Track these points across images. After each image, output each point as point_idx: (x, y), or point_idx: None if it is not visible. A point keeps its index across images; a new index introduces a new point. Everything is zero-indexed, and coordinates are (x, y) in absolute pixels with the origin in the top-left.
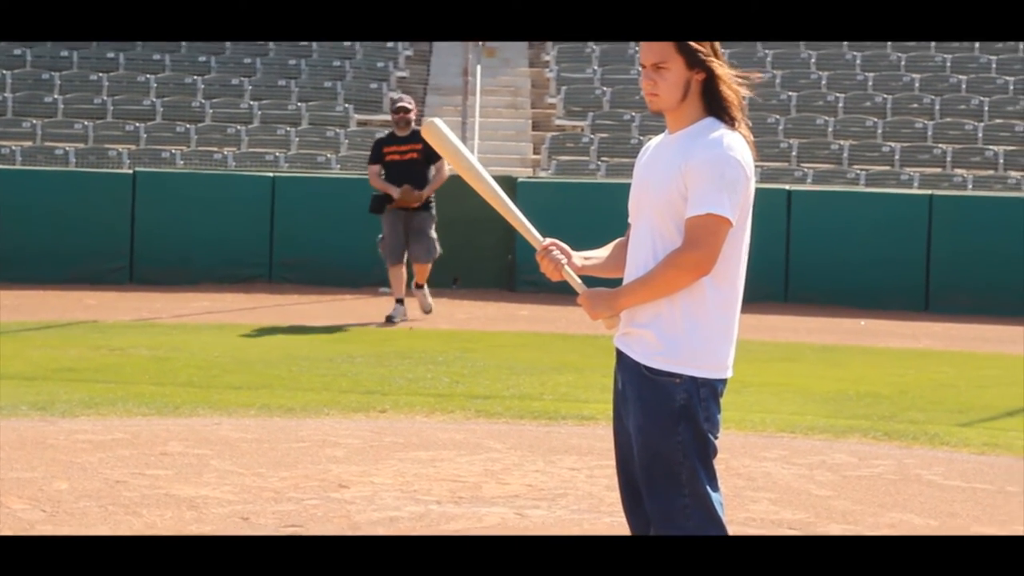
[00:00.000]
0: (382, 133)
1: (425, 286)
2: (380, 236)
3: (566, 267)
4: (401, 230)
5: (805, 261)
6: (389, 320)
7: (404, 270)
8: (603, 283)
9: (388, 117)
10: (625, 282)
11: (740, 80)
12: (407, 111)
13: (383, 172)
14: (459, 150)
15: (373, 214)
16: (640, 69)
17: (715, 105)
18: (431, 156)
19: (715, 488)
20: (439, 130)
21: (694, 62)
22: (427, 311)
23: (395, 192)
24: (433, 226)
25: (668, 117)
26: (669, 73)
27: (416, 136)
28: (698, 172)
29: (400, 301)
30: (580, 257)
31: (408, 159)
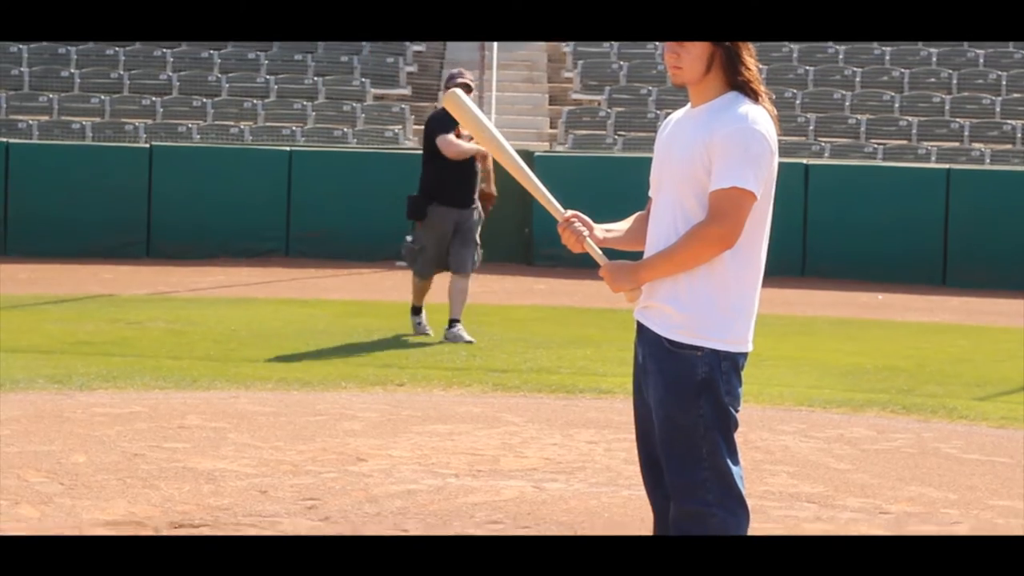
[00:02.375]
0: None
1: (460, 322)
2: (408, 240)
3: (588, 239)
4: (448, 235)
5: (822, 235)
6: (419, 327)
7: (431, 281)
8: (624, 255)
9: (406, 91)
10: (646, 255)
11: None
12: (469, 89)
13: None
14: (481, 121)
15: (413, 219)
16: (661, 43)
17: (738, 79)
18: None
19: (736, 462)
20: (460, 100)
21: None
22: (463, 341)
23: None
24: (479, 229)
25: (691, 91)
26: (692, 46)
27: None
28: (723, 146)
29: (418, 310)
30: (601, 229)
31: None
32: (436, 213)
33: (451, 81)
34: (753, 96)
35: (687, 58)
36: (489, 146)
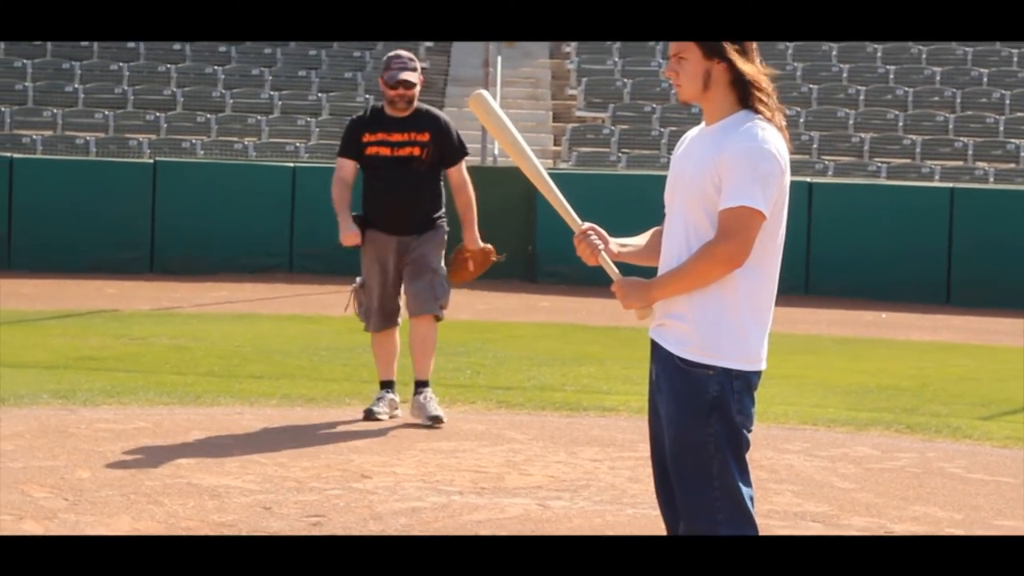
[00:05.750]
0: (361, 110)
1: (429, 387)
2: (358, 281)
3: (602, 253)
4: (391, 270)
5: (826, 254)
6: (369, 415)
7: (395, 337)
8: (639, 270)
9: None
10: (660, 272)
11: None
12: (412, 86)
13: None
14: (506, 125)
15: (346, 246)
16: (663, 60)
17: (746, 96)
18: (445, 155)
19: (747, 483)
20: (486, 102)
21: (711, 53)
22: (431, 422)
23: (348, 233)
24: (441, 254)
25: (704, 109)
26: (687, 63)
27: (421, 120)
28: (732, 164)
29: (388, 385)
30: (616, 244)
31: (404, 155)
32: (372, 239)
33: (394, 63)
34: (764, 113)
35: (684, 75)
36: (512, 151)
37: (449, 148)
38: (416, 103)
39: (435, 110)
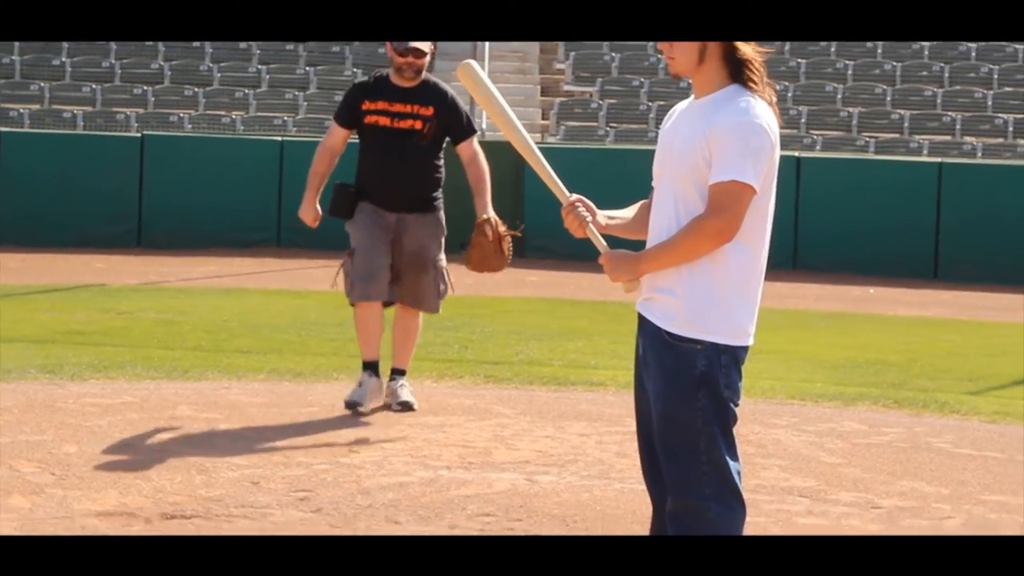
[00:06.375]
0: (349, 83)
1: (405, 375)
2: (350, 249)
3: (590, 225)
4: (382, 235)
5: (814, 229)
6: (353, 407)
7: (380, 313)
8: (626, 244)
9: None
10: (648, 246)
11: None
12: (422, 55)
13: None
14: (494, 95)
15: (336, 217)
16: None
17: (738, 71)
18: (451, 132)
19: (734, 457)
20: (475, 72)
21: None
22: (401, 407)
23: (308, 214)
24: (441, 242)
25: (694, 82)
26: None
27: (427, 93)
28: (723, 138)
29: (371, 367)
30: (604, 216)
31: (405, 128)
32: (366, 212)
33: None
34: (755, 88)
35: (678, 48)
36: (500, 122)
37: (456, 125)
38: (424, 75)
39: (443, 84)
